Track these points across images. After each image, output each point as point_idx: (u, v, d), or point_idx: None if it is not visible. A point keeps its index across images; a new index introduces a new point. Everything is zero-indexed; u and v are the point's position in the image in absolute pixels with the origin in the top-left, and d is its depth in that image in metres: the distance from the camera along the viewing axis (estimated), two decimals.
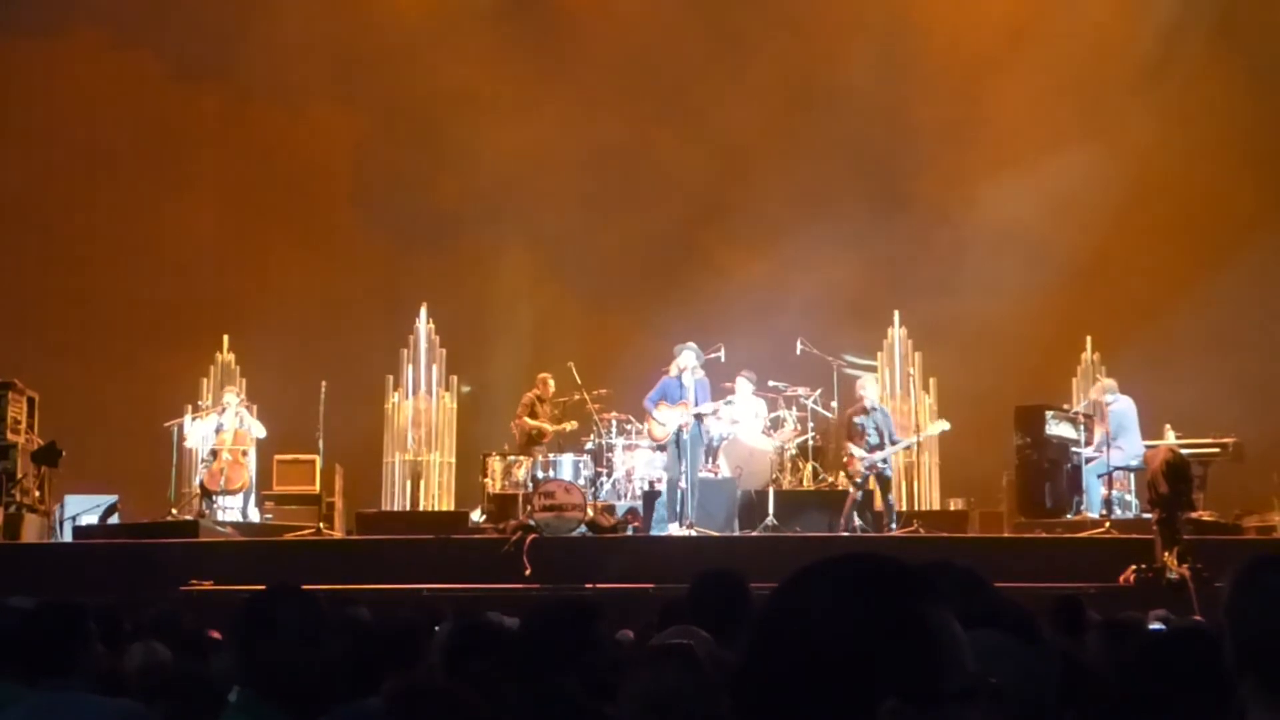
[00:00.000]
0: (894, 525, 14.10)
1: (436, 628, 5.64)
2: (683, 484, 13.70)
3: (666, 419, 13.97)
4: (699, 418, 13.93)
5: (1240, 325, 17.45)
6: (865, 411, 14.27)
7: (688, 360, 14.02)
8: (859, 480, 14.16)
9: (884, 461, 14.18)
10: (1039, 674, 2.32)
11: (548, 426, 15.32)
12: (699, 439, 13.99)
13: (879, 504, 14.28)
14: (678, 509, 13.71)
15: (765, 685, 1.64)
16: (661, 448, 14.36)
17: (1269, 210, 18.07)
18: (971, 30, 18.86)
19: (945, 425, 15.20)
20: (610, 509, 14.49)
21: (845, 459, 14.36)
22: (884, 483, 14.26)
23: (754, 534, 13.88)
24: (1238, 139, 18.33)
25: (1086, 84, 18.54)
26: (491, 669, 4.04)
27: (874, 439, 14.16)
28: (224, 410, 15.70)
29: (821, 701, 1.61)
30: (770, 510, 14.09)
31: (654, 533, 13.93)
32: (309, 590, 3.41)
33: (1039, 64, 18.22)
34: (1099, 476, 14.36)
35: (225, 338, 17.59)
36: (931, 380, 17.15)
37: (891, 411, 15.22)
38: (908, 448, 15.43)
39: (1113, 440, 14.25)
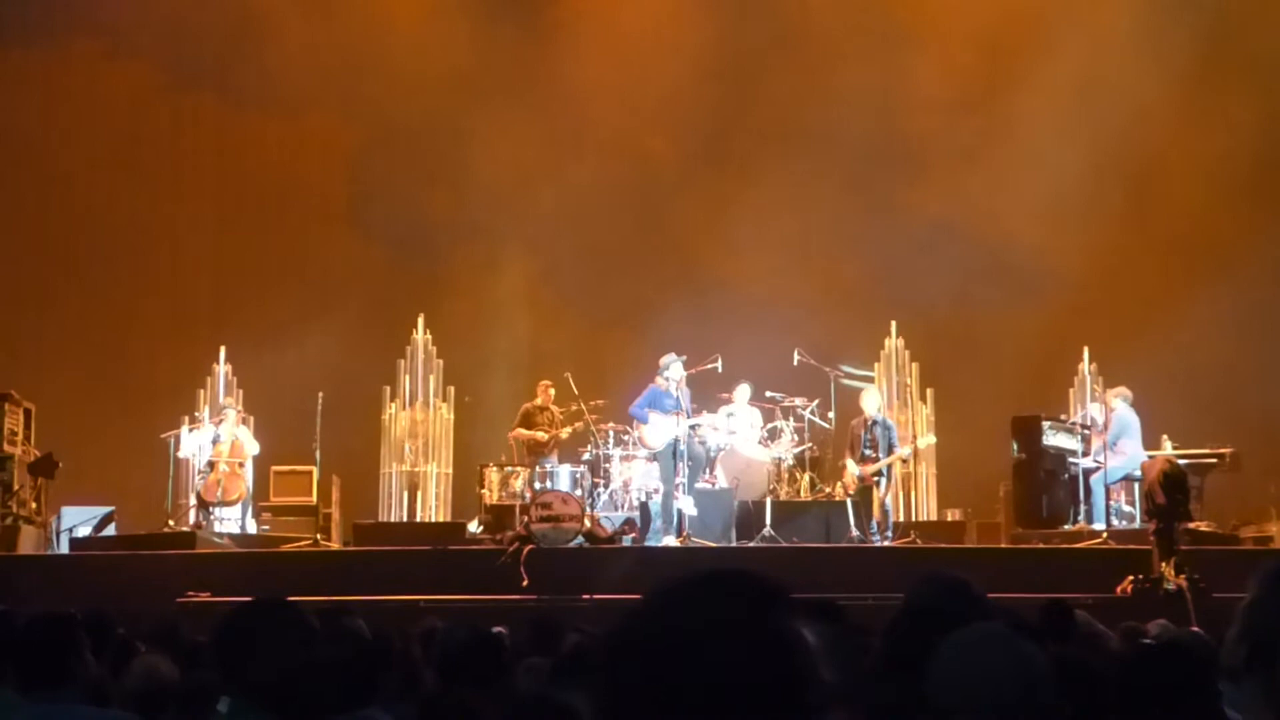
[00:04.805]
0: (889, 534, 14.07)
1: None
2: (680, 495, 13.76)
3: (661, 428, 14.00)
4: (694, 429, 14.02)
5: (1237, 336, 17.46)
6: (866, 425, 14.33)
7: (678, 372, 14.10)
8: (851, 493, 14.23)
9: (879, 474, 14.19)
10: (1033, 664, 2.33)
11: (541, 435, 15.31)
12: (694, 449, 14.06)
13: (877, 513, 14.32)
14: (674, 520, 13.77)
15: (626, 707, 1.64)
16: (653, 456, 14.40)
17: (1266, 222, 18.09)
18: (971, 41, 18.88)
19: (931, 439, 15.37)
20: (625, 525, 14.48)
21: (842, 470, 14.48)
22: (879, 490, 14.28)
23: (751, 544, 13.89)
24: (1236, 152, 18.34)
25: (1087, 95, 18.55)
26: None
27: (869, 451, 14.21)
28: (222, 421, 15.70)
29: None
30: (767, 521, 14.10)
31: (650, 543, 13.94)
32: (293, 601, 3.40)
33: (1039, 75, 18.23)
34: (1112, 484, 14.34)
35: (222, 349, 17.58)
36: (929, 390, 17.16)
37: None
38: (903, 460, 15.45)
39: (1113, 445, 14.25)
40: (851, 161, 18.68)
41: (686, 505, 13.82)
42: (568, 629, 6.63)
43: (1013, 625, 2.39)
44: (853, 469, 14.22)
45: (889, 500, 14.39)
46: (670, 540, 13.66)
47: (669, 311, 17.44)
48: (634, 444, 15.10)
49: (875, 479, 14.18)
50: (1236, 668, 2.35)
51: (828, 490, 14.99)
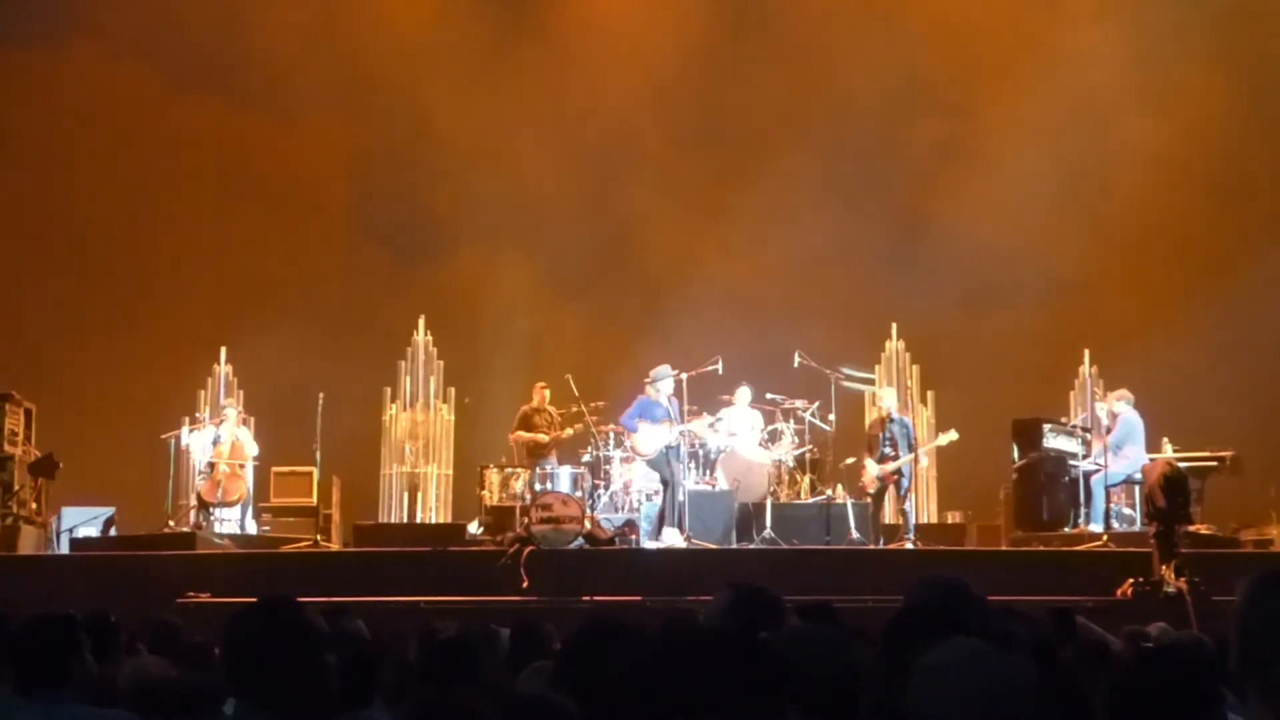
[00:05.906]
0: (909, 535, 14.07)
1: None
2: (680, 497, 13.80)
3: (653, 437, 14.04)
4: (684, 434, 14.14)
5: (1238, 339, 17.46)
6: (883, 423, 14.34)
7: (668, 387, 14.21)
8: (871, 492, 14.21)
9: (898, 473, 14.18)
10: (1012, 681, 2.32)
11: (542, 437, 15.31)
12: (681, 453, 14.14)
13: (886, 517, 14.30)
14: (674, 523, 13.80)
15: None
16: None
17: (1265, 226, 18.10)
18: (972, 46, 18.88)
19: (954, 435, 15.05)
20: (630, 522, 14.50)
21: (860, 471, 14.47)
22: (898, 490, 14.27)
23: (751, 546, 13.89)
24: (1234, 156, 18.35)
25: (1085, 100, 18.56)
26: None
27: (888, 450, 14.20)
28: (222, 422, 15.70)
29: None
30: (768, 523, 14.10)
31: (649, 545, 13.95)
32: (299, 601, 3.37)
33: (1039, 81, 18.24)
34: (1109, 488, 14.34)
35: (223, 350, 17.59)
36: (930, 393, 17.16)
37: None
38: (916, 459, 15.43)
39: (1118, 449, 14.25)
40: (852, 164, 18.67)
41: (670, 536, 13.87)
42: (551, 629, 6.61)
43: (1002, 633, 2.38)
44: (872, 469, 14.18)
45: (910, 503, 14.37)
46: (673, 539, 13.66)
47: (669, 313, 17.45)
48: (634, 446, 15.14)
49: (895, 478, 14.17)
50: (1236, 674, 2.36)
51: (828, 492, 14.98)
